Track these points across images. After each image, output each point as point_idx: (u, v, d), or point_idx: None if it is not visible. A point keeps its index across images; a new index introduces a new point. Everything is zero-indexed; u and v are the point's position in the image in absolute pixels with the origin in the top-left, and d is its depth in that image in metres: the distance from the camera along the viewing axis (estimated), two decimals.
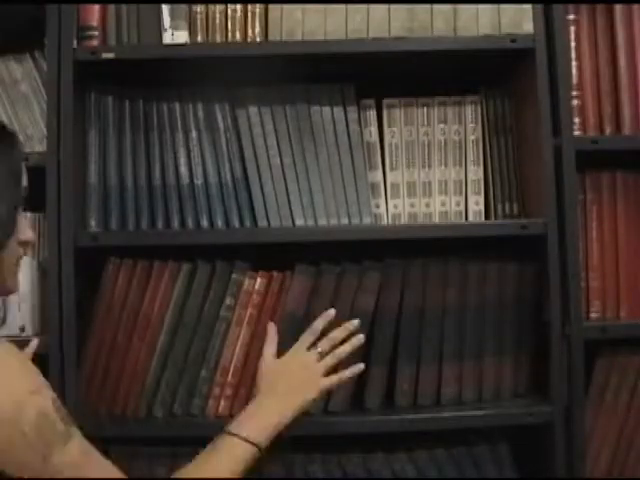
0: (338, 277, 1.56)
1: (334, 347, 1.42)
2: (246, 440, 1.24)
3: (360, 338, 1.44)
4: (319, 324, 1.45)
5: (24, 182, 1.14)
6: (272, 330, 1.44)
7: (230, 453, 1.22)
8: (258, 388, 1.37)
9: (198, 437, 1.36)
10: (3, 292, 1.14)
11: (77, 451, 0.99)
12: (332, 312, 1.45)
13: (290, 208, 1.60)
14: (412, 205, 1.64)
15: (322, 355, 1.40)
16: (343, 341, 1.44)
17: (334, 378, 1.40)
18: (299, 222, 1.60)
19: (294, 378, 1.35)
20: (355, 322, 1.45)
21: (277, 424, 1.29)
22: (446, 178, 1.64)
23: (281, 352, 1.48)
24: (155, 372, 1.54)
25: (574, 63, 1.61)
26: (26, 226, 1.15)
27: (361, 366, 1.45)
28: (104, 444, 1.54)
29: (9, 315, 1.55)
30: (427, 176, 1.64)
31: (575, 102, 1.60)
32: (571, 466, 1.54)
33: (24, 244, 1.15)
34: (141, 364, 1.54)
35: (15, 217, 1.09)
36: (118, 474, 1.09)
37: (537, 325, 1.62)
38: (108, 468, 1.06)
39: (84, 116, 1.58)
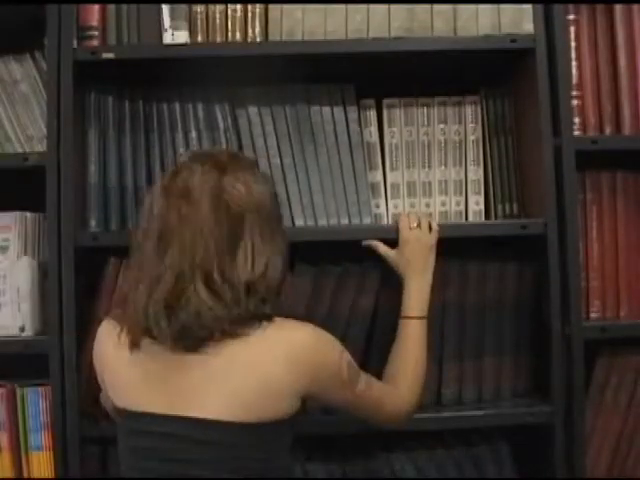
0: (338, 277, 1.56)
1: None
2: (419, 318, 1.48)
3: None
4: (403, 214, 1.59)
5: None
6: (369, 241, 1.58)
7: (415, 334, 1.46)
8: (402, 274, 1.52)
9: None
10: None
11: (364, 382, 1.34)
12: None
13: (290, 208, 1.60)
14: (412, 205, 1.64)
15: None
16: None
17: (434, 233, 1.54)
18: (299, 222, 1.60)
19: (419, 251, 1.52)
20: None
21: (429, 291, 1.51)
22: (446, 178, 1.64)
23: None
24: None
25: (574, 63, 1.61)
26: None
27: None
28: (103, 444, 1.54)
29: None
30: (427, 176, 1.64)
31: (575, 102, 1.60)
32: (571, 466, 1.54)
33: None
34: None
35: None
36: (381, 387, 1.39)
37: (537, 325, 1.62)
38: (377, 386, 1.38)
39: (84, 116, 1.58)
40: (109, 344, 1.30)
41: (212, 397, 1.22)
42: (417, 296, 1.49)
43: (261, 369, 1.23)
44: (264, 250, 1.24)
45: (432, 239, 1.53)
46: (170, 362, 1.24)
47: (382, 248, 1.55)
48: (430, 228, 1.53)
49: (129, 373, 1.28)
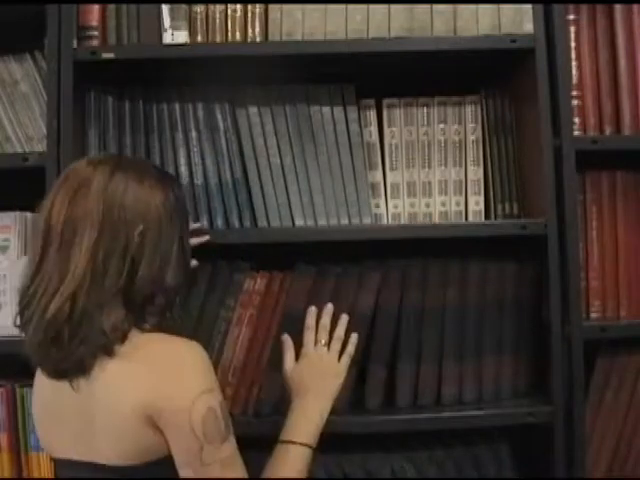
0: (338, 277, 1.56)
1: (331, 333, 1.46)
2: (303, 444, 1.29)
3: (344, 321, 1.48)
4: (311, 320, 1.47)
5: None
6: (288, 340, 1.46)
7: (294, 460, 1.27)
8: (291, 393, 1.40)
9: None
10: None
11: (228, 453, 1.12)
12: (314, 309, 1.48)
13: (290, 208, 1.60)
14: (412, 205, 1.64)
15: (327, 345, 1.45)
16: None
17: (345, 357, 1.43)
18: (299, 222, 1.60)
19: (318, 372, 1.39)
20: (344, 316, 1.49)
21: (322, 420, 1.35)
22: (446, 178, 1.64)
23: (280, 353, 1.48)
24: None
25: (574, 63, 1.61)
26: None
27: (355, 335, 1.47)
28: None
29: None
30: (427, 176, 1.64)
31: (575, 102, 1.60)
32: (571, 466, 1.54)
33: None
34: None
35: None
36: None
37: (537, 325, 1.62)
38: (244, 475, 1.17)
39: (84, 116, 1.58)
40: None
41: (98, 438, 1.14)
42: (306, 421, 1.32)
43: (110, 403, 1.12)
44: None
45: (340, 366, 1.41)
46: (63, 393, 1.17)
47: (287, 364, 1.41)
48: (340, 352, 1.42)
49: (37, 412, 1.24)
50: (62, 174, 1.22)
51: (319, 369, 1.40)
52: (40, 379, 1.24)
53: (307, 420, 1.33)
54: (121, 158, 1.30)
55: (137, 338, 1.16)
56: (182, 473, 1.13)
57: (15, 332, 1.55)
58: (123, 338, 1.14)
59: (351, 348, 1.44)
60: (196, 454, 1.09)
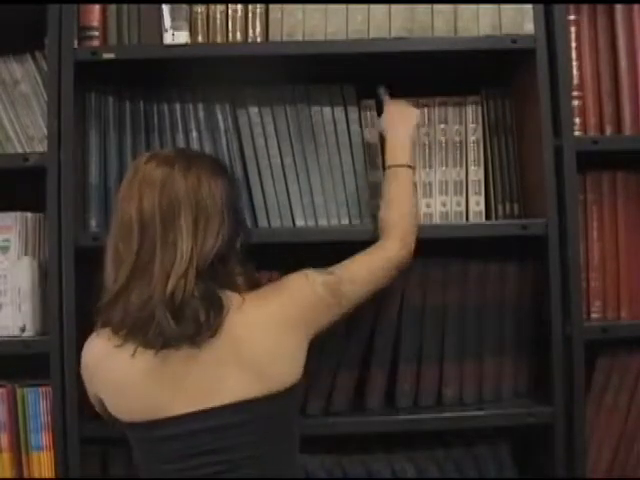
0: None
1: None
2: (407, 166, 1.50)
3: None
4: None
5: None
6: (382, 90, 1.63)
7: (405, 180, 1.49)
8: (385, 130, 1.55)
9: None
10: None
11: (347, 281, 1.38)
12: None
13: (290, 208, 1.61)
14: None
15: None
16: None
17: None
18: (299, 222, 1.60)
19: (399, 111, 1.56)
20: None
21: (412, 143, 1.54)
22: (447, 178, 1.64)
23: None
24: None
25: (575, 63, 1.61)
26: None
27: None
28: (103, 444, 1.54)
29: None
30: (428, 176, 1.64)
31: (576, 102, 1.60)
32: (571, 466, 1.54)
33: None
34: None
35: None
36: (368, 259, 1.44)
37: (537, 325, 1.62)
38: (365, 263, 1.44)
39: (84, 116, 1.58)
40: (104, 362, 1.31)
41: (228, 381, 1.27)
42: (402, 146, 1.51)
43: (259, 338, 1.30)
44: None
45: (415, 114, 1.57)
46: (174, 358, 1.27)
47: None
48: None
49: (135, 384, 1.28)
50: (132, 170, 1.34)
51: (400, 108, 1.57)
52: (118, 359, 1.28)
53: (402, 146, 1.51)
54: (186, 152, 1.46)
55: (243, 296, 1.32)
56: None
57: (15, 332, 1.56)
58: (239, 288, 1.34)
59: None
60: (340, 308, 1.38)
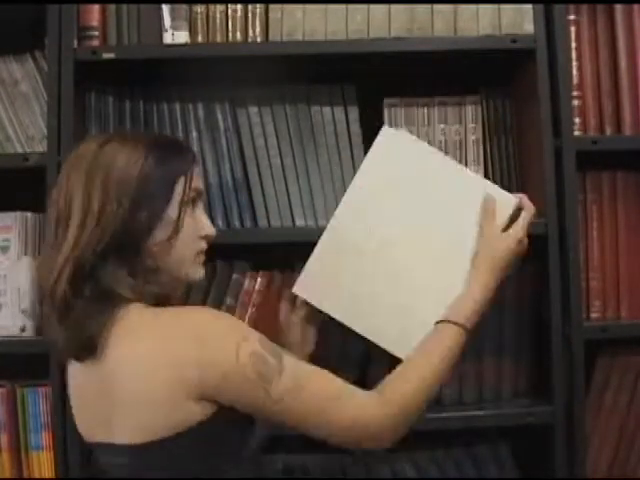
0: None
1: None
2: (458, 324, 1.25)
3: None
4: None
5: (194, 184, 1.21)
6: None
7: (445, 340, 1.23)
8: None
9: None
10: (185, 281, 1.23)
11: (291, 378, 1.10)
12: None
13: (290, 208, 1.60)
14: None
15: None
16: None
17: (514, 227, 1.30)
18: (299, 222, 1.60)
19: (487, 246, 1.30)
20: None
21: (482, 296, 1.27)
22: None
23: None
24: None
25: (575, 63, 1.61)
26: (205, 222, 1.23)
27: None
28: None
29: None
30: None
31: (575, 102, 1.60)
32: (571, 466, 1.54)
33: (205, 238, 1.23)
34: None
35: (180, 217, 1.18)
36: (332, 385, 1.14)
37: (537, 325, 1.62)
38: (321, 385, 1.13)
39: (84, 116, 1.58)
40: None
41: (115, 418, 1.12)
42: (467, 298, 1.27)
43: (133, 374, 1.10)
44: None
45: (508, 236, 1.28)
46: (81, 376, 1.18)
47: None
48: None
49: (72, 396, 1.23)
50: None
51: (488, 243, 1.29)
52: (72, 365, 1.22)
53: (469, 297, 1.26)
54: (121, 130, 1.29)
55: (146, 313, 1.14)
56: (262, 418, 1.14)
57: (15, 332, 1.56)
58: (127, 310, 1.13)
59: (523, 221, 1.29)
60: (265, 399, 1.09)
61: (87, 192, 1.13)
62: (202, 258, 1.24)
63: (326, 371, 1.15)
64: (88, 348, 1.12)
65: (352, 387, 1.15)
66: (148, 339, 1.11)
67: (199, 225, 1.22)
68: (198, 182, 1.23)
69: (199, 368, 1.08)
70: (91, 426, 1.19)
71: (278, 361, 1.11)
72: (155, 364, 1.09)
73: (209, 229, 1.23)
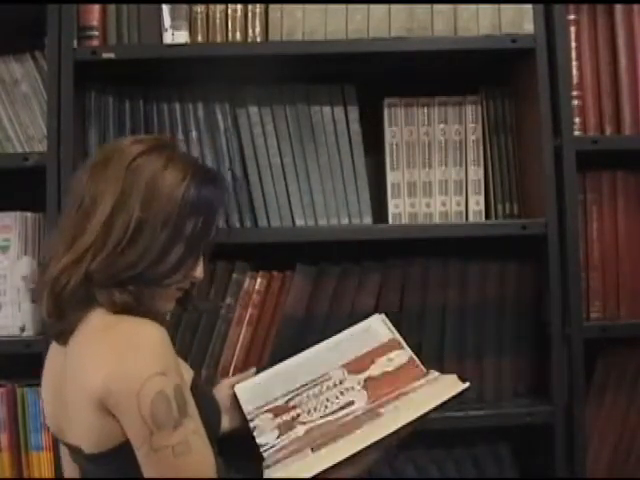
0: (338, 277, 1.56)
1: None
2: None
3: None
4: None
5: (214, 228, 1.22)
6: None
7: None
8: None
9: None
10: (154, 312, 1.18)
11: (180, 439, 1.04)
12: None
13: (290, 208, 1.60)
14: (412, 205, 1.64)
15: None
16: None
17: None
18: (299, 222, 1.60)
19: None
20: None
21: None
22: (446, 178, 1.64)
23: (280, 353, 1.48)
24: None
25: (574, 63, 1.61)
26: (200, 264, 1.22)
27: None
28: None
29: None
30: (427, 176, 1.64)
31: (575, 102, 1.60)
32: (571, 466, 1.54)
33: (193, 278, 1.22)
34: None
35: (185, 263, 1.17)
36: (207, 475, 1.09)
37: (537, 325, 1.62)
38: (198, 468, 1.08)
39: (84, 116, 1.58)
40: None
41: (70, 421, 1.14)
42: None
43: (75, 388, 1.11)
44: None
45: None
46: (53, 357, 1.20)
47: None
48: None
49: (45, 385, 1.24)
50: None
51: None
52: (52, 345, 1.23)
53: None
54: (165, 141, 1.24)
55: (106, 318, 1.13)
56: (137, 455, 1.07)
57: (15, 332, 1.56)
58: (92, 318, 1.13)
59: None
60: (145, 438, 1.04)
61: (121, 198, 1.13)
62: (177, 295, 1.23)
63: (213, 461, 1.10)
64: (63, 336, 1.15)
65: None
66: (89, 346, 1.10)
67: (196, 265, 1.21)
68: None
69: (104, 378, 1.05)
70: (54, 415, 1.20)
71: (180, 415, 1.06)
72: (87, 373, 1.08)
73: (200, 273, 1.23)
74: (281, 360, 1.43)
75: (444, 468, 1.60)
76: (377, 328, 1.40)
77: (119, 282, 1.13)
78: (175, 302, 1.25)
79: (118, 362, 1.06)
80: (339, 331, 1.47)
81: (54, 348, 1.21)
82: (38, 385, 1.52)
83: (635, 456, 1.60)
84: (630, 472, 1.60)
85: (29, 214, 1.60)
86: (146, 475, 1.06)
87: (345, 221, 1.61)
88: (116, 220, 1.12)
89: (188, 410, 1.07)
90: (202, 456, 1.08)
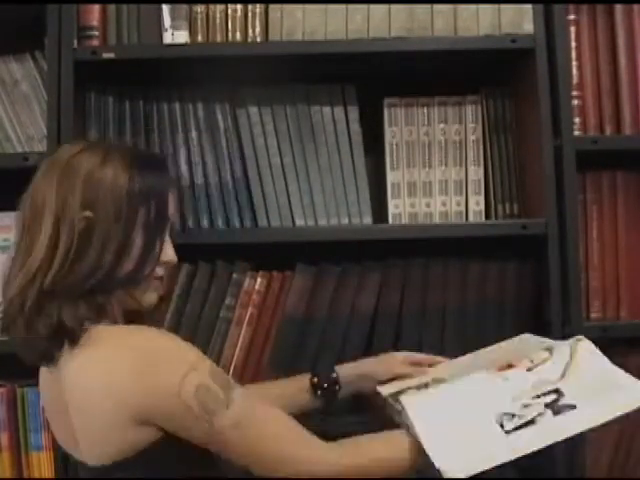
0: (338, 277, 1.56)
1: None
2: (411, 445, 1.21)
3: None
4: None
5: (170, 210, 1.18)
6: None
7: (397, 445, 1.23)
8: None
9: None
10: (137, 305, 1.18)
11: (237, 412, 1.07)
12: None
13: (290, 208, 1.60)
14: (412, 205, 1.64)
15: None
16: None
17: None
18: (299, 222, 1.60)
19: None
20: None
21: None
22: (446, 178, 1.64)
23: (280, 353, 1.48)
24: None
25: (574, 63, 1.61)
26: (168, 247, 1.19)
27: None
28: None
29: None
30: (428, 176, 1.64)
31: (575, 102, 1.60)
32: (571, 466, 1.53)
33: (165, 263, 1.19)
34: None
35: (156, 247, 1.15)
36: (288, 430, 1.13)
37: (537, 325, 1.62)
38: (268, 426, 1.11)
39: (84, 116, 1.58)
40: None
41: (77, 434, 1.12)
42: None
43: (84, 403, 1.09)
44: None
45: None
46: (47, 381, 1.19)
47: None
48: None
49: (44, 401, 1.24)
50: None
51: None
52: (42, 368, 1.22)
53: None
54: (99, 141, 1.23)
55: (99, 331, 1.10)
56: (215, 452, 1.11)
57: None
58: (81, 331, 1.09)
59: None
60: (208, 429, 1.06)
61: (60, 205, 1.11)
62: (157, 284, 1.20)
63: (288, 417, 1.13)
64: (49, 356, 1.12)
65: (312, 437, 1.14)
66: (95, 360, 1.08)
67: (163, 250, 1.18)
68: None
69: (141, 394, 1.05)
70: (61, 438, 1.20)
71: (226, 394, 1.08)
72: (99, 387, 1.07)
73: (172, 256, 1.20)
74: (281, 360, 1.43)
75: None
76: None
77: (88, 291, 1.10)
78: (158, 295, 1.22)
79: (147, 376, 1.06)
80: (339, 331, 1.47)
81: (44, 373, 1.20)
82: (38, 385, 1.53)
83: (635, 456, 1.60)
84: (630, 472, 1.60)
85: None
86: (239, 461, 1.10)
87: (345, 221, 1.61)
88: (61, 230, 1.10)
89: (229, 383, 1.10)
90: (263, 412, 1.11)
